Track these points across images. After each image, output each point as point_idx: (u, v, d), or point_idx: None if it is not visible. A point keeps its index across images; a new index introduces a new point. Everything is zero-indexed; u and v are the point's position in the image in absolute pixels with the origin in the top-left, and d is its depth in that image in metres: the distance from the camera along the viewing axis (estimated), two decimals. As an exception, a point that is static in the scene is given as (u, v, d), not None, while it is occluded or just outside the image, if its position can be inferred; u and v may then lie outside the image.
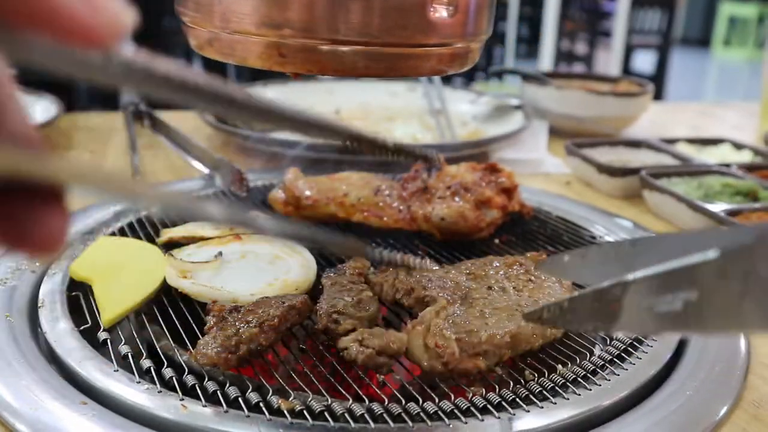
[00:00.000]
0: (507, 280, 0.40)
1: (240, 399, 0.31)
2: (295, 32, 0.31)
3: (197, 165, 0.67)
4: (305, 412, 0.31)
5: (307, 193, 0.51)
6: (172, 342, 0.37)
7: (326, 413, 0.31)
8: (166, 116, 0.79)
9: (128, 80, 0.16)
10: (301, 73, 0.33)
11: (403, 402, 0.32)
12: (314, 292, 0.41)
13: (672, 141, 0.79)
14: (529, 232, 0.55)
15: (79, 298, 0.41)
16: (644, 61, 3.46)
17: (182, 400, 0.31)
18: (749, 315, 0.17)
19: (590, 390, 0.33)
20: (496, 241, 0.53)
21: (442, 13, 0.33)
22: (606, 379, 0.34)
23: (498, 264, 0.42)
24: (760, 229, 0.16)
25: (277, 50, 0.32)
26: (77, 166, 0.14)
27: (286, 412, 0.31)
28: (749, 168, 0.68)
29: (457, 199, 0.50)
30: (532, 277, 0.41)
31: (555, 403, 0.32)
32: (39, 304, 0.39)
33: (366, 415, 0.31)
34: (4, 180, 0.13)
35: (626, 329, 0.21)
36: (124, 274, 0.42)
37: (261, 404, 0.31)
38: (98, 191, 0.15)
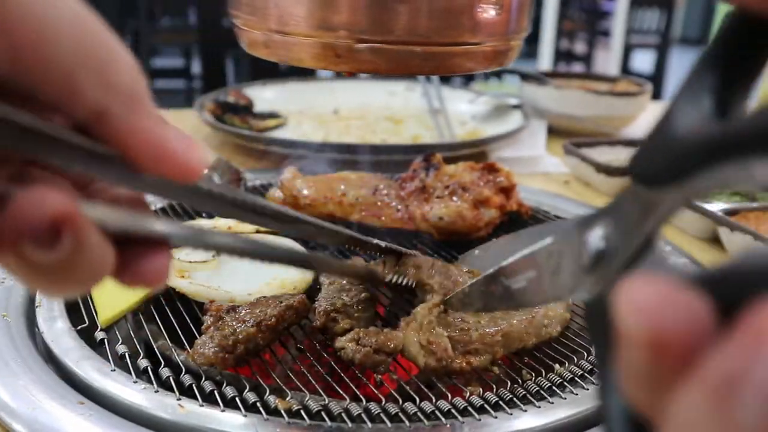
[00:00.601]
0: None
1: (237, 399, 0.31)
2: (350, 33, 0.33)
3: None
4: (302, 411, 0.31)
5: (305, 192, 0.51)
6: (169, 342, 0.37)
7: (323, 413, 0.31)
8: (164, 116, 0.79)
9: (208, 203, 0.21)
10: (354, 72, 0.35)
11: (401, 401, 0.32)
12: (312, 291, 0.41)
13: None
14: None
15: (76, 298, 0.41)
16: (643, 61, 3.46)
17: (179, 399, 0.31)
18: (559, 286, 0.21)
19: (587, 390, 0.33)
20: (493, 240, 0.53)
21: (490, 13, 0.34)
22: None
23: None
24: (580, 217, 0.19)
25: (333, 51, 0.33)
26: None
27: (283, 411, 0.31)
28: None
29: (455, 198, 0.50)
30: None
31: (552, 403, 0.32)
32: (36, 304, 0.39)
33: (363, 415, 0.31)
34: (124, 234, 0.17)
35: (502, 306, 0.27)
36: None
37: (258, 404, 0.31)
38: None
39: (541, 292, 0.23)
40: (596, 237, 0.18)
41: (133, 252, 0.18)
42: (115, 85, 0.16)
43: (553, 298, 0.22)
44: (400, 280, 0.37)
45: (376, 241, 0.34)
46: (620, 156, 0.75)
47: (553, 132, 0.88)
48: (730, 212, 0.56)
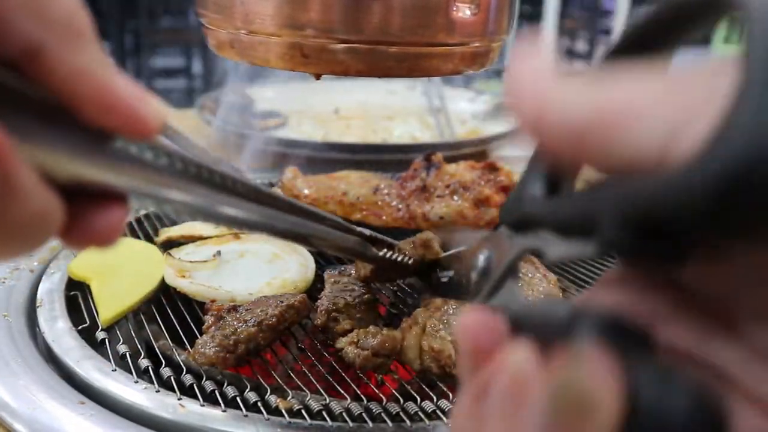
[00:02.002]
0: None
1: (238, 398, 0.31)
2: (318, 33, 0.31)
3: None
4: (303, 411, 0.31)
5: (306, 192, 0.51)
6: (170, 341, 0.37)
7: (324, 412, 0.31)
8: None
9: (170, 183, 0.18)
10: (322, 74, 0.33)
11: (402, 401, 0.32)
12: (313, 291, 0.41)
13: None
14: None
15: (77, 298, 0.41)
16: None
17: (180, 399, 0.31)
18: (462, 290, 0.26)
19: None
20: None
21: (465, 12, 0.33)
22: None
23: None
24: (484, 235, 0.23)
25: (300, 51, 0.32)
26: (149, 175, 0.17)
27: (284, 411, 0.31)
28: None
29: (455, 197, 0.50)
30: (520, 274, 0.41)
31: None
32: (37, 304, 0.39)
33: (364, 415, 0.31)
34: (73, 185, 0.15)
35: (435, 294, 0.35)
36: (122, 274, 0.42)
37: (259, 404, 0.31)
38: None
39: (456, 290, 0.28)
40: (481, 258, 0.22)
41: (82, 206, 0.15)
42: (50, 16, 0.14)
43: (464, 298, 0.27)
44: (395, 257, 0.36)
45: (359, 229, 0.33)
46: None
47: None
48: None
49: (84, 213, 0.15)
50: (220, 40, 0.35)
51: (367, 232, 0.34)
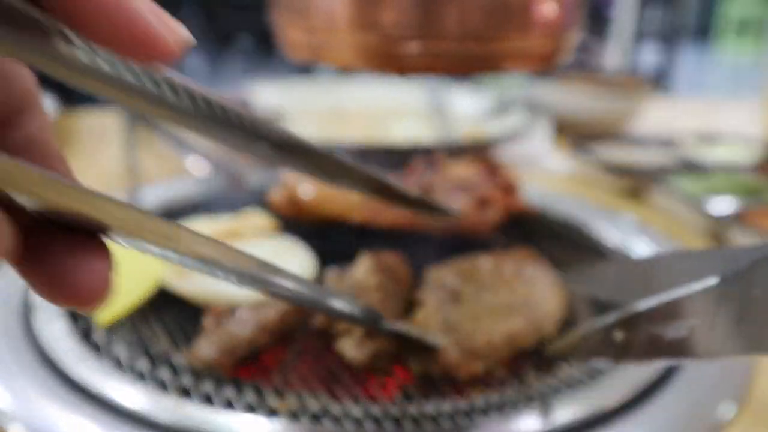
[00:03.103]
0: (498, 279, 0.39)
1: (237, 401, 0.31)
2: (396, 32, 0.31)
3: (196, 165, 0.66)
4: (303, 413, 0.30)
5: (306, 191, 0.51)
6: (169, 343, 0.36)
7: (324, 415, 0.30)
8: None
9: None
10: (402, 74, 0.33)
11: (403, 403, 0.31)
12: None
13: (677, 138, 0.78)
14: (531, 230, 0.54)
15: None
16: (651, 56, 3.44)
17: (179, 401, 0.30)
18: (746, 338, 0.18)
19: (593, 391, 0.33)
20: (497, 240, 0.52)
21: (545, 9, 0.33)
22: (609, 378, 0.34)
23: (488, 261, 0.41)
24: (754, 255, 0.17)
25: (382, 52, 0.32)
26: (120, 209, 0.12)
27: (284, 413, 0.30)
28: (756, 166, 0.67)
29: (457, 198, 0.49)
30: (523, 275, 0.40)
31: (557, 404, 0.32)
32: (33, 305, 0.39)
33: (364, 417, 0.30)
34: (38, 209, 0.11)
35: (635, 360, 0.21)
36: (120, 275, 0.41)
37: (259, 406, 0.31)
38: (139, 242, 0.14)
39: (715, 344, 0.19)
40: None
41: (53, 247, 0.12)
42: None
43: (734, 351, 0.18)
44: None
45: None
46: (627, 154, 0.74)
47: (558, 129, 0.87)
48: (739, 212, 0.55)
49: (57, 258, 0.12)
50: (295, 42, 0.35)
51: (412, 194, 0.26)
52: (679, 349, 0.19)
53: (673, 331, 0.20)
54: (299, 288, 0.22)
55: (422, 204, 0.26)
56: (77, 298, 0.13)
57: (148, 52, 0.13)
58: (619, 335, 0.21)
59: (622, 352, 0.21)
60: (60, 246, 0.13)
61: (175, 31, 0.13)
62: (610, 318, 0.21)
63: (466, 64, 0.32)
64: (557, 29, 0.34)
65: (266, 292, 0.21)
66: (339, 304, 0.26)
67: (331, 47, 0.33)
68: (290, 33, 0.35)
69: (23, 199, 0.11)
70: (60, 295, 0.13)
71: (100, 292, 0.13)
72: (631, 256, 0.50)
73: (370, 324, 0.29)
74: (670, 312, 0.20)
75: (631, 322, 0.21)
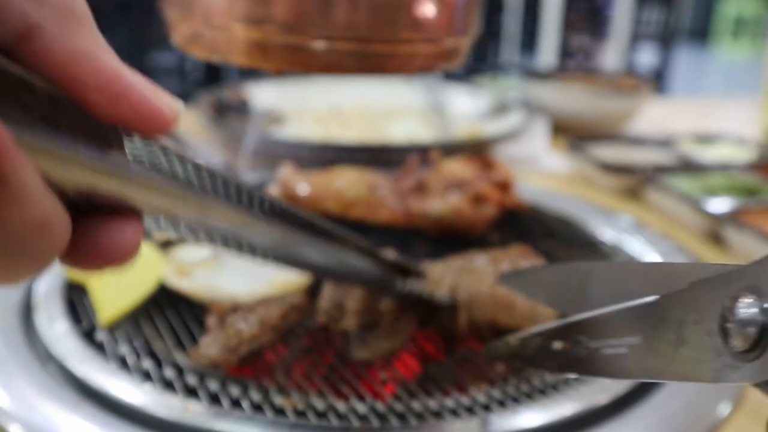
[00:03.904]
0: (494, 275, 0.40)
1: (242, 399, 0.31)
2: (279, 29, 0.31)
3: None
4: (308, 411, 0.31)
5: (303, 189, 0.51)
6: (172, 342, 0.36)
7: (329, 412, 0.31)
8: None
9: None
10: (283, 71, 0.33)
11: (407, 400, 0.32)
12: (313, 290, 0.41)
13: (675, 137, 0.78)
14: (526, 228, 0.54)
15: (75, 299, 0.41)
16: (648, 57, 3.45)
17: (184, 400, 0.31)
18: (686, 363, 0.17)
19: (592, 385, 0.33)
20: (492, 237, 0.53)
21: (430, 9, 0.32)
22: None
23: (484, 257, 0.42)
24: (693, 275, 0.16)
25: (261, 47, 0.31)
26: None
27: (289, 411, 0.31)
28: (752, 165, 0.67)
29: (452, 195, 0.49)
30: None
31: (557, 400, 0.32)
32: (34, 305, 0.39)
33: (369, 414, 0.31)
34: (79, 194, 0.12)
35: (577, 372, 0.21)
36: (121, 274, 0.41)
37: (263, 404, 0.31)
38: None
39: (655, 366, 0.18)
40: (749, 310, 0.15)
41: (87, 222, 0.13)
42: None
43: (674, 376, 0.17)
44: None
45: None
46: (624, 153, 0.75)
47: (556, 129, 0.88)
48: (735, 211, 0.55)
49: (91, 229, 0.13)
50: (183, 36, 0.35)
51: (391, 256, 0.28)
52: (619, 367, 0.19)
53: (611, 347, 0.19)
54: (318, 253, 0.22)
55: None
56: (107, 260, 0.14)
57: (148, 125, 0.13)
58: (557, 345, 0.21)
59: (563, 364, 0.21)
60: (91, 217, 0.14)
61: (170, 104, 0.14)
62: (548, 326, 0.21)
63: (348, 63, 0.32)
64: (446, 31, 0.34)
65: (286, 261, 0.21)
66: (355, 262, 0.25)
67: (212, 42, 0.33)
68: (178, 27, 0.35)
69: (69, 185, 0.12)
70: (89, 258, 0.14)
71: (131, 253, 0.14)
72: (629, 256, 0.50)
73: (383, 284, 0.28)
74: (606, 327, 0.19)
75: (569, 333, 0.20)
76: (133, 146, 0.14)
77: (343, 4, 0.30)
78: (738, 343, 0.15)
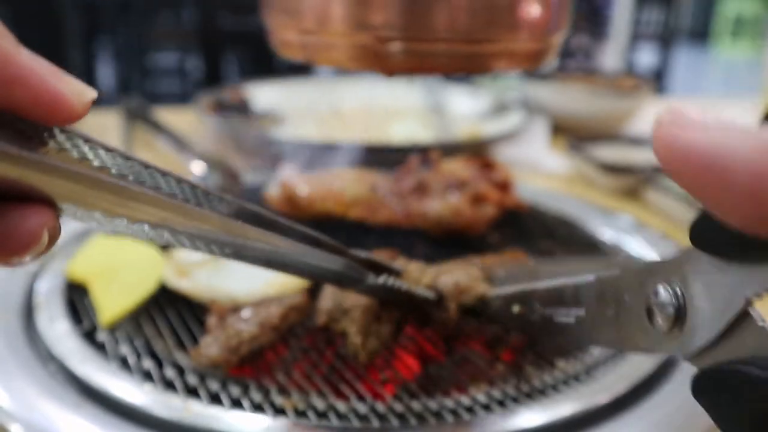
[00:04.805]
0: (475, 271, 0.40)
1: (243, 399, 0.31)
2: (388, 33, 0.32)
3: (192, 163, 0.66)
4: (308, 410, 0.31)
5: (303, 190, 0.51)
6: (172, 342, 0.36)
7: (330, 412, 0.31)
8: (162, 114, 0.79)
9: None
10: (395, 73, 0.34)
11: (407, 400, 0.32)
12: (314, 291, 0.41)
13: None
14: (526, 228, 0.55)
15: (75, 300, 0.41)
16: (647, 57, 3.45)
17: (185, 400, 0.31)
18: (619, 335, 0.20)
19: (592, 385, 0.33)
20: (492, 237, 0.53)
21: (530, 10, 0.33)
22: (604, 374, 0.34)
23: (477, 264, 0.41)
24: (628, 265, 0.19)
25: (371, 51, 0.32)
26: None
27: (289, 411, 0.31)
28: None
29: (452, 195, 0.49)
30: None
31: (556, 400, 0.32)
32: (35, 305, 0.39)
33: (370, 414, 0.31)
34: None
35: (534, 335, 0.25)
36: (121, 274, 0.41)
37: (264, 404, 0.31)
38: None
39: (597, 336, 0.21)
40: (666, 294, 0.17)
41: None
42: None
43: (615, 345, 0.21)
44: (405, 288, 0.29)
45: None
46: (623, 154, 0.75)
47: (556, 129, 0.88)
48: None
49: None
50: (287, 42, 0.36)
51: (363, 254, 0.27)
52: (568, 333, 0.22)
53: (562, 315, 0.22)
54: (272, 247, 0.21)
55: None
56: (8, 249, 0.13)
57: (50, 113, 0.13)
58: (516, 308, 0.25)
59: (521, 325, 0.25)
60: None
61: (77, 90, 0.13)
62: (509, 290, 0.25)
63: (454, 64, 0.33)
64: (544, 30, 0.35)
65: (235, 256, 0.21)
66: (318, 261, 0.24)
67: (323, 48, 0.34)
68: (283, 34, 0.36)
69: None
70: None
71: (31, 241, 0.13)
72: (628, 253, 0.50)
73: (354, 282, 0.27)
74: (557, 297, 0.23)
75: (526, 298, 0.24)
76: (61, 140, 0.14)
77: (446, 7, 0.31)
78: (661, 322, 0.18)
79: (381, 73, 0.34)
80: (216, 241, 0.19)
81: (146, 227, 0.16)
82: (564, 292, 0.22)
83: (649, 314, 0.18)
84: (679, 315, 0.17)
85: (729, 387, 0.14)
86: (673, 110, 0.12)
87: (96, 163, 0.15)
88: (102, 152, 0.15)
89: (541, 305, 0.23)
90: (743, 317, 0.15)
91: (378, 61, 0.33)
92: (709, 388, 0.15)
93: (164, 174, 0.18)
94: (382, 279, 0.27)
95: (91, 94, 0.14)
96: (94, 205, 0.14)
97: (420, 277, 0.31)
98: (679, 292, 0.17)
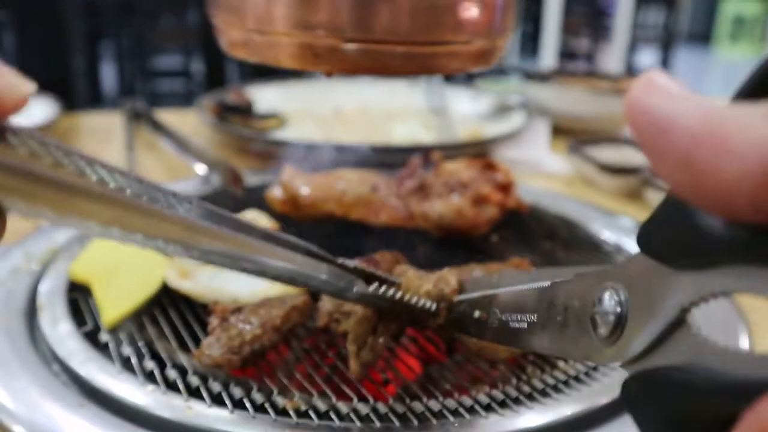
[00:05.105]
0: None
1: (245, 400, 0.31)
2: (329, 33, 0.32)
3: (194, 165, 0.67)
4: (311, 411, 0.31)
5: (305, 191, 0.51)
6: (175, 343, 0.37)
7: (331, 413, 0.31)
8: (165, 116, 0.79)
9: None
10: (333, 73, 0.34)
11: (408, 401, 0.32)
12: (315, 292, 0.41)
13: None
14: (527, 229, 0.55)
15: (78, 300, 0.41)
16: (648, 58, 3.45)
17: (188, 401, 0.31)
18: (567, 344, 0.20)
19: (592, 386, 0.34)
20: (494, 238, 0.53)
21: (473, 11, 0.33)
22: (604, 376, 0.35)
23: (479, 273, 0.41)
24: (580, 271, 0.19)
25: (311, 51, 0.32)
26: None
27: (291, 412, 0.31)
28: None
29: (454, 196, 0.49)
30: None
31: (557, 400, 0.32)
32: (38, 307, 0.39)
33: (371, 414, 0.31)
34: None
35: (492, 339, 0.25)
36: (124, 276, 0.42)
37: (266, 404, 0.31)
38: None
39: (545, 342, 0.21)
40: (609, 300, 0.17)
41: None
42: None
43: (559, 352, 0.20)
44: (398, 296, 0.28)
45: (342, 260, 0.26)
46: (624, 155, 0.75)
47: (557, 131, 0.88)
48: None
49: None
50: (232, 40, 0.36)
51: (352, 263, 0.26)
52: (520, 338, 0.23)
53: (515, 321, 0.23)
54: (263, 258, 0.21)
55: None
56: None
57: None
58: (477, 313, 0.26)
59: (480, 330, 0.25)
60: None
61: (13, 84, 0.13)
62: (471, 296, 0.25)
63: (398, 64, 0.33)
64: (487, 30, 0.35)
65: (209, 261, 0.20)
66: (303, 268, 0.24)
67: (266, 47, 0.34)
68: (228, 32, 0.36)
69: None
70: None
71: None
72: (629, 254, 0.50)
73: (340, 291, 0.26)
74: (513, 303, 0.23)
75: (485, 304, 0.25)
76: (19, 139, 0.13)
77: (388, 8, 0.31)
78: (602, 329, 0.17)
79: (323, 73, 0.34)
80: (182, 244, 0.19)
81: (95, 225, 0.16)
82: (522, 298, 0.22)
83: (593, 321, 0.18)
84: (619, 322, 0.17)
85: (654, 392, 0.14)
86: (645, 77, 0.13)
87: (48, 160, 0.15)
88: (53, 148, 0.15)
89: (500, 311, 0.24)
90: (678, 324, 0.14)
91: (317, 60, 0.32)
92: (637, 393, 0.15)
93: (111, 170, 0.18)
94: (372, 288, 0.27)
95: (28, 87, 0.14)
96: (42, 203, 0.14)
97: (419, 285, 0.30)
98: (622, 299, 0.17)
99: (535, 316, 0.22)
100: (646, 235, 0.15)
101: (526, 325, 0.22)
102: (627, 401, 0.16)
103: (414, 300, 0.28)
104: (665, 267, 0.14)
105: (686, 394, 0.13)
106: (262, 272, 0.23)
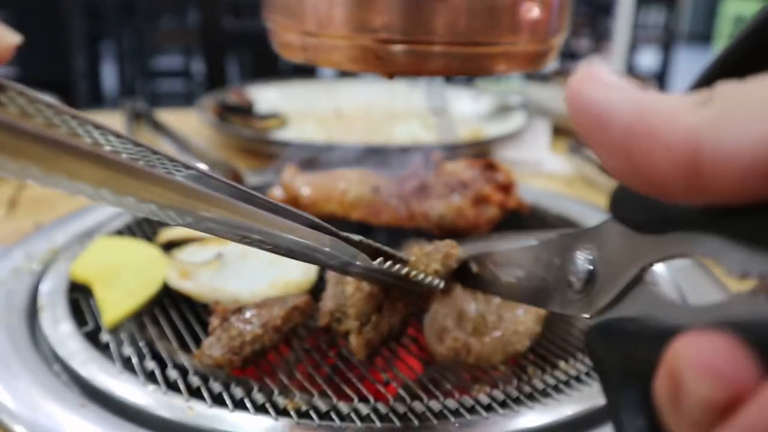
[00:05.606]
0: (483, 299, 0.39)
1: (246, 400, 0.31)
2: (389, 35, 0.32)
3: (196, 165, 0.67)
4: (311, 411, 0.31)
5: (306, 191, 0.51)
6: (175, 343, 0.37)
7: (332, 413, 0.31)
8: (165, 116, 0.79)
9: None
10: (395, 75, 0.34)
11: (409, 401, 0.32)
12: (316, 292, 0.41)
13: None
14: (527, 229, 0.55)
15: (79, 300, 0.41)
16: (648, 58, 3.45)
17: (188, 401, 0.31)
18: (544, 296, 0.22)
19: (593, 386, 0.34)
20: (493, 238, 0.53)
21: (532, 12, 0.33)
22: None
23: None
24: (564, 231, 0.21)
25: (372, 53, 0.33)
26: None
27: (292, 412, 0.31)
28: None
29: (455, 196, 0.49)
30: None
31: (558, 401, 0.32)
32: (39, 307, 0.39)
33: (372, 415, 0.31)
34: None
35: (485, 291, 0.28)
36: (125, 276, 0.42)
37: (267, 405, 0.31)
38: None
39: (528, 295, 0.24)
40: (583, 259, 0.19)
41: None
42: None
43: (540, 303, 0.23)
44: (405, 271, 0.28)
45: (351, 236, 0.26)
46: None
47: (557, 131, 0.88)
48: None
49: None
50: (288, 43, 0.36)
51: (357, 237, 0.26)
52: (508, 290, 0.25)
53: (505, 275, 0.26)
54: (248, 220, 0.20)
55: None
56: None
57: None
58: (473, 267, 0.28)
59: (475, 282, 0.28)
60: None
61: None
62: (468, 250, 0.28)
63: (455, 66, 0.33)
64: (544, 31, 0.35)
65: (205, 229, 0.19)
66: (309, 242, 0.22)
67: (324, 50, 0.34)
68: (284, 35, 0.36)
69: None
70: None
71: None
72: None
73: (344, 264, 0.25)
74: (503, 258, 0.26)
75: (481, 259, 0.27)
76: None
77: (452, 9, 0.32)
78: (576, 284, 0.19)
79: (381, 75, 0.34)
80: (177, 210, 0.18)
81: (84, 186, 0.15)
82: (513, 255, 0.25)
83: (569, 277, 0.20)
84: (590, 278, 0.19)
85: (609, 340, 0.16)
86: (583, 69, 0.14)
87: (39, 119, 0.15)
88: (43, 107, 0.15)
89: (493, 265, 0.26)
90: (637, 281, 0.16)
91: (378, 62, 0.33)
92: (596, 341, 0.17)
93: (104, 131, 0.17)
94: (377, 262, 0.26)
95: (13, 38, 0.14)
96: (28, 161, 0.13)
97: (427, 264, 0.30)
98: (594, 258, 0.19)
99: (522, 271, 0.24)
100: (616, 203, 0.17)
101: (514, 279, 0.25)
102: (588, 348, 0.17)
103: (421, 277, 0.28)
104: (631, 231, 0.16)
105: (634, 341, 0.14)
106: (261, 243, 0.22)
